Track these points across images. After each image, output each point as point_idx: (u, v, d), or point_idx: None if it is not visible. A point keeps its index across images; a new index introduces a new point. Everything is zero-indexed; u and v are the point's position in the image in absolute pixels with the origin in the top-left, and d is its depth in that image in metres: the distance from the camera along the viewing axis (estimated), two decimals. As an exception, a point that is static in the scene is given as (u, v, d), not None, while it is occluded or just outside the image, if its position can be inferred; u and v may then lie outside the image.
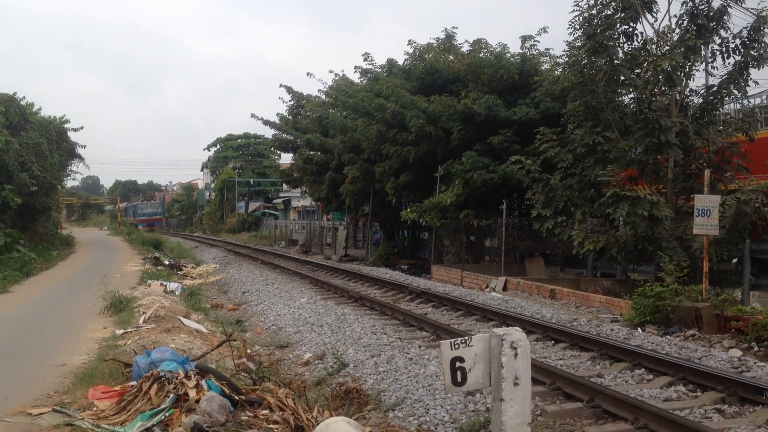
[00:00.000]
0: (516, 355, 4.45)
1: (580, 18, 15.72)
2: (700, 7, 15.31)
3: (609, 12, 15.52)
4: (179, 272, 24.37)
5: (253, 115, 59.95)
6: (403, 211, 24.89)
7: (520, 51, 23.30)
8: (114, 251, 36.25)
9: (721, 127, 15.76)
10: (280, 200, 61.97)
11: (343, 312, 13.97)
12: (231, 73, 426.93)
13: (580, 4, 15.75)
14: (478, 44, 24.66)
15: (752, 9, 15.41)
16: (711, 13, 15.30)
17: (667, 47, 15.51)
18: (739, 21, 18.01)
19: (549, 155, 16.71)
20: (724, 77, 15.41)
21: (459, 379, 4.51)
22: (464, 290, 17.69)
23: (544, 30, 23.29)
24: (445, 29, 26.66)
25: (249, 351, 9.60)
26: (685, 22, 15.58)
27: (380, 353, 10.00)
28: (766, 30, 15.15)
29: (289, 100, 37.45)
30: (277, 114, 38.17)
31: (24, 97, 32.22)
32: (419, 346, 10.29)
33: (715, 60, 15.73)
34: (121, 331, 10.91)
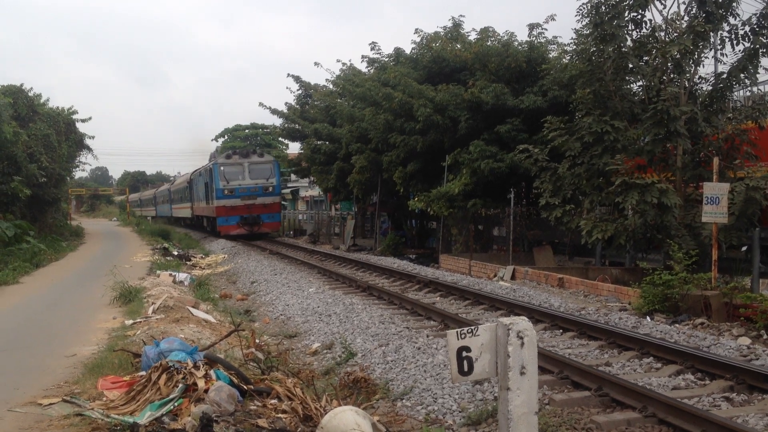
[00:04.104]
0: (522, 344, 4.45)
1: (588, 5, 15.60)
2: (709, -7, 15.17)
3: (617, -1, 15.39)
4: (188, 263, 24.46)
5: (261, 104, 59.86)
6: (411, 201, 24.84)
7: (528, 39, 23.15)
8: (123, 242, 36.43)
9: (730, 115, 15.65)
10: (288, 190, 61.92)
11: (351, 302, 13.98)
12: (238, 62, 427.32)
13: (587, -9, 15.63)
14: (486, 33, 24.51)
15: (762, -5, 15.27)
16: (720, 0, 15.16)
17: (676, 34, 15.39)
18: (748, 8, 17.82)
19: (557, 144, 16.63)
20: (734, 64, 15.27)
21: (465, 369, 4.51)
22: (472, 279, 17.67)
23: (552, 18, 23.14)
24: (452, 18, 26.56)
25: (257, 341, 9.63)
26: (694, 9, 15.44)
27: (388, 343, 10.02)
28: (776, 16, 14.99)
29: (297, 90, 37.51)
30: (285, 103, 38.23)
31: (32, 88, 32.45)
32: (427, 336, 10.30)
33: (724, 47, 15.59)
34: (130, 321, 10.98)
